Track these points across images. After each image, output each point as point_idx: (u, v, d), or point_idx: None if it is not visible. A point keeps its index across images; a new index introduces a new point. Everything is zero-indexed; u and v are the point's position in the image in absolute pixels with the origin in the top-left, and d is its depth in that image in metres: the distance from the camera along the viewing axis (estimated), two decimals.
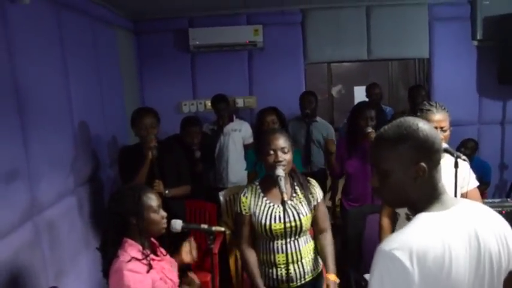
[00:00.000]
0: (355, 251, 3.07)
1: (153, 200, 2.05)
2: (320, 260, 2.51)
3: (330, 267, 2.43)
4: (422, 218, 1.29)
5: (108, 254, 1.98)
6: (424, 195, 1.32)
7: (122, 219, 1.99)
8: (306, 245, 2.42)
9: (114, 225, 2.00)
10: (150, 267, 1.98)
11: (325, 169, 4.77)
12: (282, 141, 2.32)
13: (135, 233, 2.01)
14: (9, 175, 2.21)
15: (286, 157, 2.30)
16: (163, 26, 5.00)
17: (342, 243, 3.25)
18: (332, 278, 2.40)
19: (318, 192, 2.46)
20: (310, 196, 2.42)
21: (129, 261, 1.92)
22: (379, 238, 2.57)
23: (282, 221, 2.27)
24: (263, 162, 2.37)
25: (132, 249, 1.97)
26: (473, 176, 2.50)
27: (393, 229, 2.54)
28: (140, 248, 2.00)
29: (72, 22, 3.17)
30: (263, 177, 2.45)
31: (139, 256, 1.97)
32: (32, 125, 2.47)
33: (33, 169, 2.43)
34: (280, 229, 2.31)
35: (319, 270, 2.49)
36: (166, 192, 3.15)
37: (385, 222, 2.55)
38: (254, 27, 4.87)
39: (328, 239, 2.51)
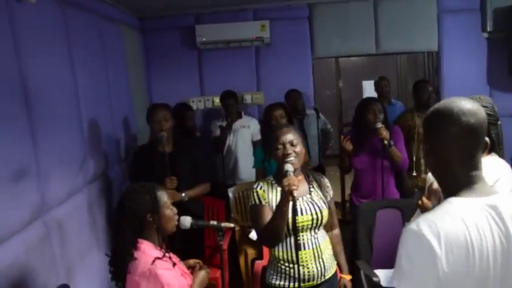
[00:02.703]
0: (365, 246, 3.05)
1: (166, 196, 2.07)
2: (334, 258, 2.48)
3: (343, 267, 2.54)
4: (452, 202, 1.26)
5: (125, 255, 1.94)
6: (451, 177, 1.30)
7: (138, 218, 1.97)
8: (324, 241, 2.37)
9: (130, 224, 1.96)
10: (174, 263, 1.99)
11: (323, 165, 4.75)
12: (290, 135, 2.31)
13: (151, 231, 2.00)
14: (18, 174, 2.22)
15: (296, 149, 2.29)
16: (170, 23, 5.00)
17: (352, 239, 3.23)
18: (348, 277, 2.53)
19: (330, 188, 2.48)
20: (325, 191, 2.43)
21: (154, 261, 1.91)
22: None
23: (306, 213, 2.26)
24: (274, 159, 2.36)
25: (150, 249, 1.96)
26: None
27: None
28: (157, 246, 2.00)
29: (78, 20, 3.17)
30: (277, 173, 2.41)
31: (160, 254, 1.96)
32: (41, 123, 2.47)
33: (42, 167, 2.44)
34: (303, 222, 2.26)
35: (335, 268, 2.45)
36: (183, 195, 3.12)
37: None
38: (261, 23, 4.85)
39: (337, 237, 2.57)
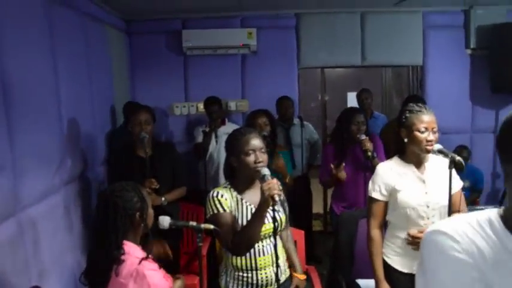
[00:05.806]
0: (346, 255, 3.02)
1: (147, 196, 2.09)
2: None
3: (297, 266, 2.48)
4: None
5: (113, 258, 1.87)
6: None
7: (129, 217, 1.93)
8: (279, 245, 2.32)
9: (122, 223, 1.91)
10: (159, 265, 1.96)
11: (308, 175, 4.71)
12: (259, 141, 2.22)
13: (136, 231, 1.97)
14: None
15: (265, 158, 2.20)
16: (157, 26, 4.96)
17: (333, 248, 3.20)
18: (301, 277, 2.46)
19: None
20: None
21: (141, 262, 1.86)
22: (370, 250, 2.49)
23: (268, 221, 2.17)
24: (238, 164, 2.21)
25: (134, 250, 1.92)
26: (457, 176, 2.45)
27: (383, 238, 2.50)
28: (140, 247, 1.97)
29: (62, 18, 3.11)
30: (234, 179, 2.28)
31: (144, 255, 1.92)
32: (18, 119, 2.39)
33: (17, 164, 2.35)
34: (265, 230, 2.21)
35: (289, 273, 2.40)
36: (163, 199, 3.09)
37: (376, 233, 2.48)
38: (248, 30, 4.85)
39: (289, 236, 2.53)
